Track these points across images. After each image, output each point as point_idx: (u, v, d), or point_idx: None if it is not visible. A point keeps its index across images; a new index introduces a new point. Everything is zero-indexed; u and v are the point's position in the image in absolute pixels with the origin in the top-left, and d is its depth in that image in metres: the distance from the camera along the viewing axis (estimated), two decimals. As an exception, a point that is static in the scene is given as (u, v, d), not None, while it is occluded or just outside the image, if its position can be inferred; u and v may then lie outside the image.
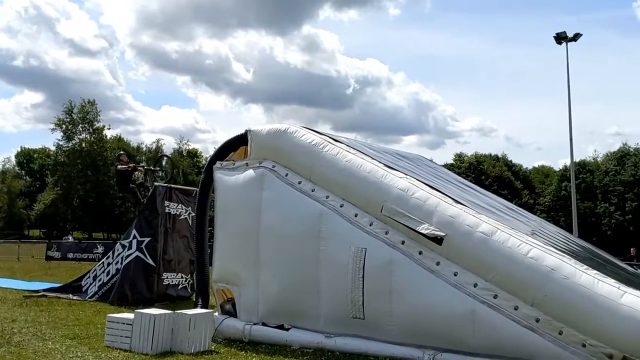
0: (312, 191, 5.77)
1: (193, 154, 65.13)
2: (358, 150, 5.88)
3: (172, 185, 9.71)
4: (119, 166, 10.23)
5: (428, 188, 5.34)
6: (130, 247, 9.03)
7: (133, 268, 8.90)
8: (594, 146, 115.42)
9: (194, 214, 8.31)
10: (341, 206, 5.56)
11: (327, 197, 5.66)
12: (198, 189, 7.28)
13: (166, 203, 9.28)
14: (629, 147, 63.62)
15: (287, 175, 6.00)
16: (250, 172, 6.24)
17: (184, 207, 9.58)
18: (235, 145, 6.65)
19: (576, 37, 26.99)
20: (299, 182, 5.88)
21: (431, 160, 9.43)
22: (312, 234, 5.60)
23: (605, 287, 4.26)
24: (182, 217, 9.56)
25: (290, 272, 5.75)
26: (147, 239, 9.02)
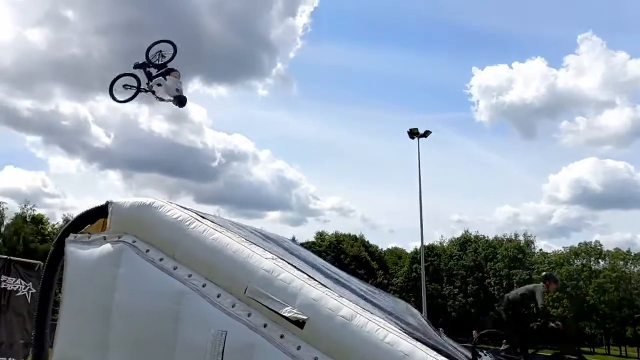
0: (175, 269, 5.51)
1: (38, 221, 59.41)
2: (226, 229, 5.82)
3: (13, 258, 8.75)
4: None
5: (293, 269, 5.39)
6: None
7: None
8: (440, 232, 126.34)
9: (34, 291, 7.48)
10: (204, 286, 5.37)
11: (190, 276, 5.45)
12: (45, 263, 6.59)
13: (3, 277, 8.29)
14: (470, 234, 70.58)
15: (148, 251, 5.69)
16: (107, 247, 5.82)
17: (23, 282, 8.58)
18: (93, 217, 6.19)
19: (426, 134, 30.79)
20: (161, 260, 5.60)
21: (293, 241, 9.61)
22: (170, 315, 5.29)
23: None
24: (21, 293, 8.54)
25: (142, 356, 5.33)
26: (-28, 319, 7.91)
